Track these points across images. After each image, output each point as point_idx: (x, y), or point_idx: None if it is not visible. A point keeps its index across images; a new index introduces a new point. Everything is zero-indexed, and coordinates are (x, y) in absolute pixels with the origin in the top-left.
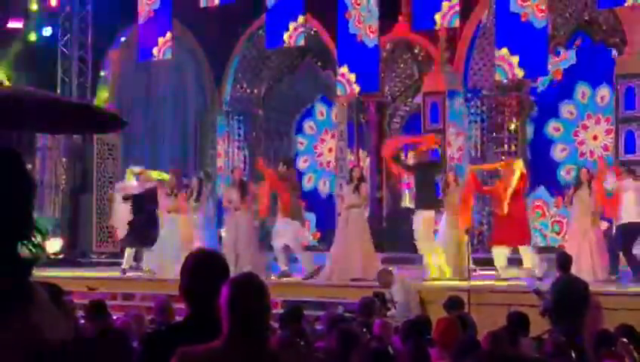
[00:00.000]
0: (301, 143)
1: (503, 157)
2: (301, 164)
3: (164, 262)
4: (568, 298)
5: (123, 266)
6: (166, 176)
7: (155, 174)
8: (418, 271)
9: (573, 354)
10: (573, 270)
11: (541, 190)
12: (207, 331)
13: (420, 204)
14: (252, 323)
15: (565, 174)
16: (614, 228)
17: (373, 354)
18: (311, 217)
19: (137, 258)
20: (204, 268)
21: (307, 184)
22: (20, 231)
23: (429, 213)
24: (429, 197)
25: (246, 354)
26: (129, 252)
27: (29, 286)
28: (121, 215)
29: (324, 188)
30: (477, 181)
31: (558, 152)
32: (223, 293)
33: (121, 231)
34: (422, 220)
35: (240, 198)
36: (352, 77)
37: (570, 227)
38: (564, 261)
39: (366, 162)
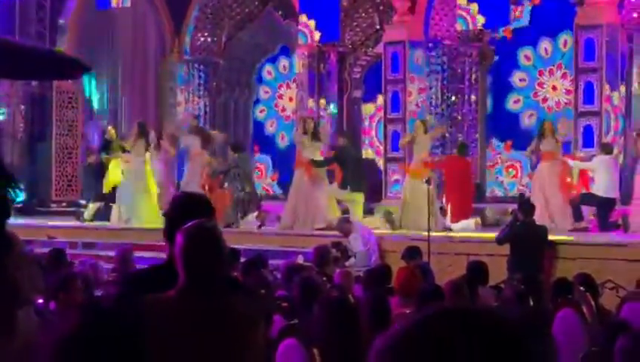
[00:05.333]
0: (266, 92)
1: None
2: (258, 114)
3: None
4: (527, 242)
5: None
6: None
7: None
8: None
9: (532, 302)
10: (541, 219)
11: (494, 141)
12: None
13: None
14: (204, 271)
15: (527, 119)
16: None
17: (335, 303)
18: (266, 160)
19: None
20: (185, 210)
21: (269, 128)
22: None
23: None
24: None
25: (198, 304)
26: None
27: (5, 234)
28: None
29: (282, 141)
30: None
31: (513, 103)
32: (177, 242)
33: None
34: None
35: (200, 141)
36: (313, 25)
37: (535, 178)
38: (526, 207)
39: (327, 111)
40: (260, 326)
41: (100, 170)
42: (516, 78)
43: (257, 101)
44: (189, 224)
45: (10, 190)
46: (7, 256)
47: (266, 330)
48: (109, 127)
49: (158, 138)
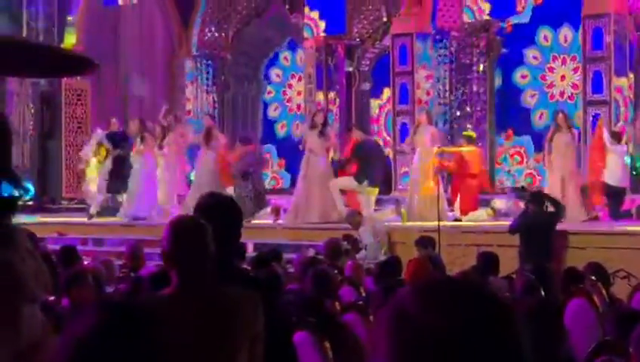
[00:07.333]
0: (269, 92)
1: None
2: (272, 112)
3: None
4: (537, 231)
5: (91, 211)
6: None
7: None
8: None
9: (543, 293)
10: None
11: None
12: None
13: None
14: (189, 265)
15: (538, 119)
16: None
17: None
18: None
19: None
20: (209, 208)
21: (280, 131)
22: (3, 171)
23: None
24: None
25: (189, 299)
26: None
27: (9, 228)
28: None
29: (297, 132)
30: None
31: (527, 98)
32: (164, 236)
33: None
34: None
35: (205, 142)
36: (319, 18)
37: (551, 172)
38: (537, 196)
39: (335, 105)
40: (256, 317)
41: (118, 165)
42: (523, 70)
43: (266, 93)
44: (176, 218)
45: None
46: (11, 251)
47: (278, 324)
48: (114, 120)
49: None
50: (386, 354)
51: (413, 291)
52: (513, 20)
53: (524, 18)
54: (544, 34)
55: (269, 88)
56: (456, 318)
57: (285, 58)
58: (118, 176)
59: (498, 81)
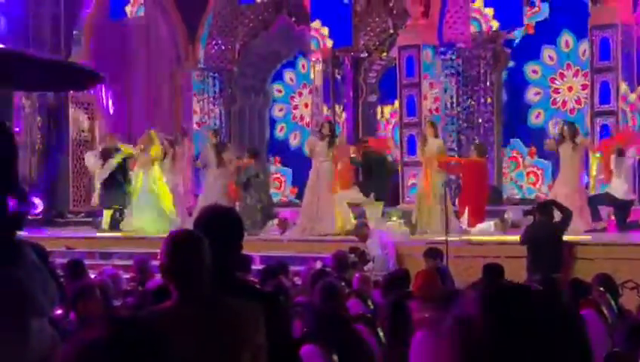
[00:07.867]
0: (279, 91)
1: (478, 110)
2: (276, 112)
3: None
4: (543, 241)
5: (102, 226)
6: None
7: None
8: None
9: None
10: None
11: (516, 141)
12: (219, 281)
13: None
14: (191, 279)
15: (535, 118)
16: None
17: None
18: (287, 172)
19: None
20: (208, 221)
21: (279, 133)
22: (8, 186)
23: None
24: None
25: (193, 312)
26: (108, 213)
27: (15, 244)
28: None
29: (294, 142)
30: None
31: (531, 95)
32: (161, 250)
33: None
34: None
35: (216, 158)
36: (326, 31)
37: (555, 182)
38: (543, 206)
39: (342, 117)
40: (258, 329)
41: (116, 177)
42: (535, 65)
43: (273, 105)
44: (174, 232)
45: (21, 203)
46: (18, 266)
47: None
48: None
49: (172, 147)
50: (451, 358)
51: (471, 297)
52: (532, 21)
53: (542, 15)
54: (566, 39)
55: (277, 87)
56: (509, 318)
57: (303, 66)
58: (111, 190)
59: (505, 74)
